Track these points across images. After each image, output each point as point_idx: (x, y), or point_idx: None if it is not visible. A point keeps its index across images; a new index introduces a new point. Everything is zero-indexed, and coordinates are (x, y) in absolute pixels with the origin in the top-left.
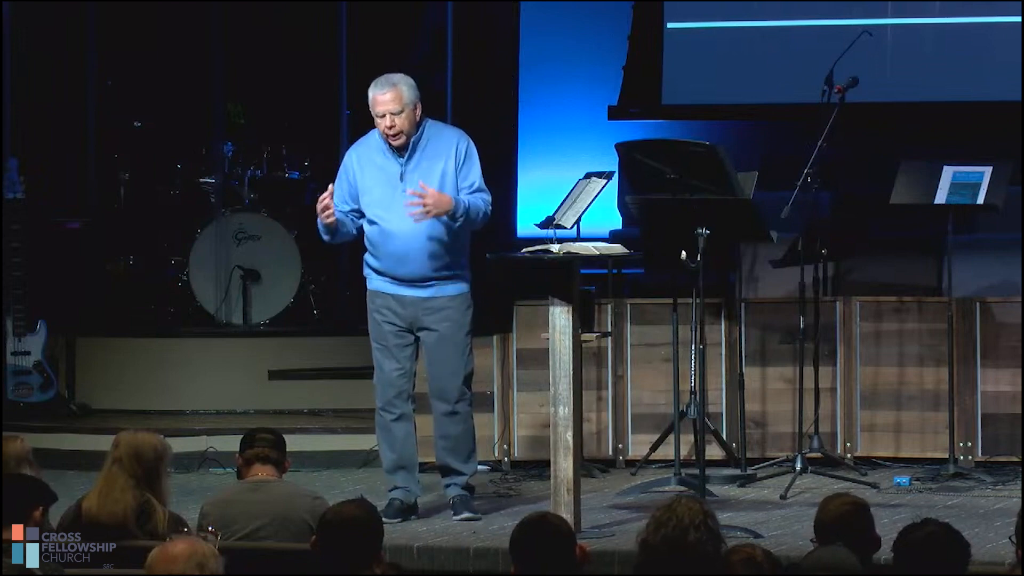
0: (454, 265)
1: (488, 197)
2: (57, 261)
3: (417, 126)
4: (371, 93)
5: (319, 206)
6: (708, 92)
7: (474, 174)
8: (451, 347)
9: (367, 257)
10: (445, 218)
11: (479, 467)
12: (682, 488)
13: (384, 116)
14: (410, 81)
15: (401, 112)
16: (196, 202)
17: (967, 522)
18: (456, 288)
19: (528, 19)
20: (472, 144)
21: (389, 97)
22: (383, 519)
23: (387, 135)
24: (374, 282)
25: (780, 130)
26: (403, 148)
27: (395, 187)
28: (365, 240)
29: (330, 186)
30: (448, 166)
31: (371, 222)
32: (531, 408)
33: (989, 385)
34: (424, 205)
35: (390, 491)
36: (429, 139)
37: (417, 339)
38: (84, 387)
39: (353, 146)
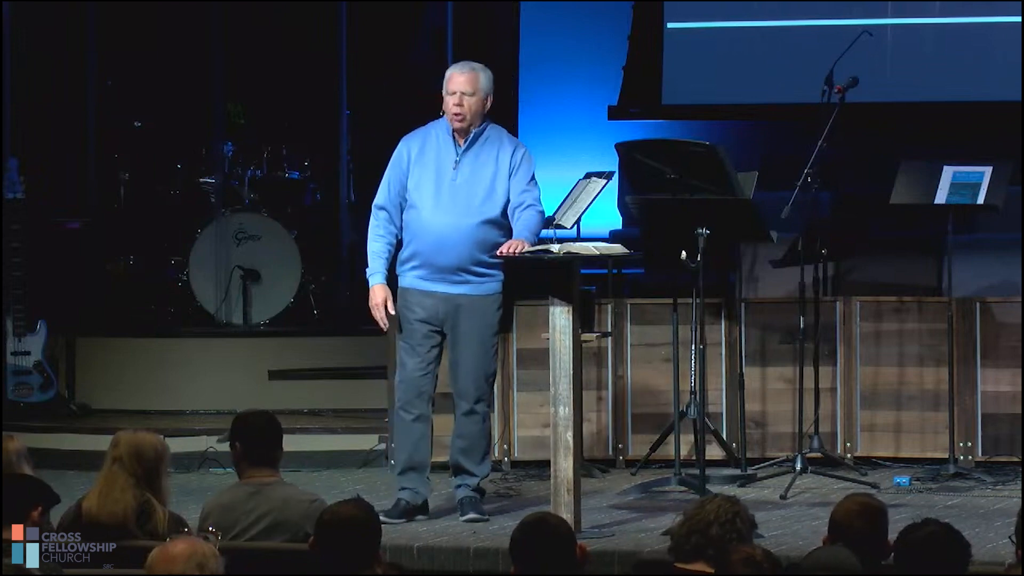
0: (490, 265)
1: (536, 196)
2: (57, 261)
3: (481, 120)
4: (449, 72)
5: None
6: (708, 92)
7: (525, 182)
8: (477, 346)
9: (402, 252)
10: (493, 214)
11: None
12: (682, 488)
13: (455, 94)
14: (490, 74)
15: (473, 95)
16: (196, 202)
17: (967, 522)
18: (489, 288)
19: (528, 19)
20: (528, 154)
21: (465, 78)
22: (389, 519)
23: (453, 114)
24: (407, 279)
25: (780, 130)
26: (463, 135)
27: (446, 174)
28: (403, 231)
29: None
30: (500, 168)
31: (412, 207)
32: (531, 408)
33: (989, 385)
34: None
35: (399, 491)
36: (489, 138)
37: (444, 338)
38: (84, 387)
39: (407, 137)
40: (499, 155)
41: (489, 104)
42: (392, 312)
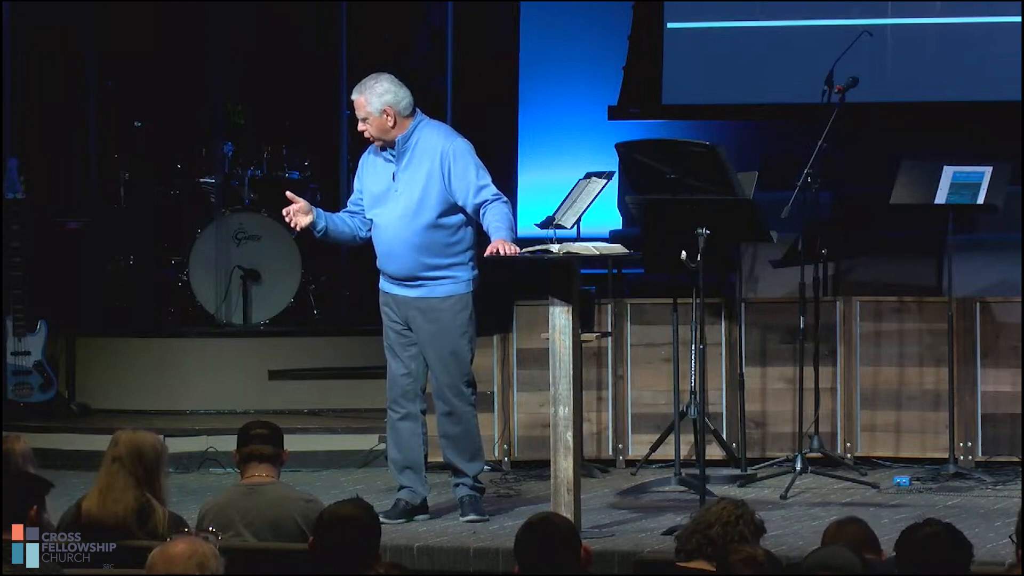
0: (445, 267)
1: (494, 190)
2: (57, 261)
3: (402, 126)
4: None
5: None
6: (708, 92)
7: (471, 177)
8: (441, 349)
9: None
10: (431, 219)
11: None
12: (682, 488)
13: (359, 120)
14: (380, 88)
15: (367, 119)
16: (196, 202)
17: (967, 522)
18: (447, 290)
19: (528, 19)
20: (460, 146)
21: (356, 103)
22: (388, 520)
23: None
24: (380, 281)
25: (780, 130)
26: (392, 146)
27: (389, 186)
28: None
29: (294, 205)
30: (432, 172)
31: (371, 219)
32: (531, 408)
33: (989, 385)
34: (503, 253)
35: (398, 491)
36: (418, 141)
37: None
38: (84, 387)
39: (366, 151)
40: (430, 158)
41: (393, 116)
42: (296, 211)
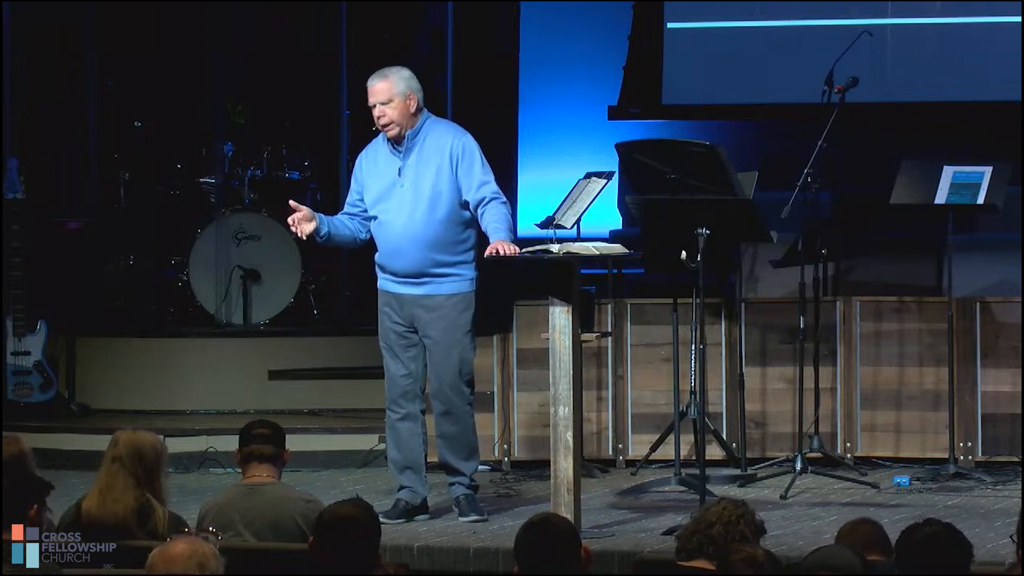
0: (451, 264)
1: (495, 188)
2: (57, 261)
3: (414, 120)
4: (368, 84)
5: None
6: (708, 92)
7: (476, 173)
8: (445, 347)
9: (375, 255)
10: (443, 214)
11: (480, 467)
12: (682, 488)
13: (375, 107)
14: (405, 74)
15: (390, 102)
16: (196, 202)
17: (967, 522)
18: (452, 287)
19: (528, 19)
20: (469, 142)
21: (379, 88)
22: (389, 520)
23: (381, 126)
24: (379, 280)
25: (780, 130)
26: (399, 141)
27: (394, 182)
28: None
29: (297, 214)
30: (443, 167)
31: (373, 217)
32: (531, 408)
33: (989, 385)
34: (503, 253)
35: (397, 491)
36: (427, 136)
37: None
38: (84, 387)
39: (363, 151)
40: (440, 153)
41: (415, 102)
42: (300, 219)
